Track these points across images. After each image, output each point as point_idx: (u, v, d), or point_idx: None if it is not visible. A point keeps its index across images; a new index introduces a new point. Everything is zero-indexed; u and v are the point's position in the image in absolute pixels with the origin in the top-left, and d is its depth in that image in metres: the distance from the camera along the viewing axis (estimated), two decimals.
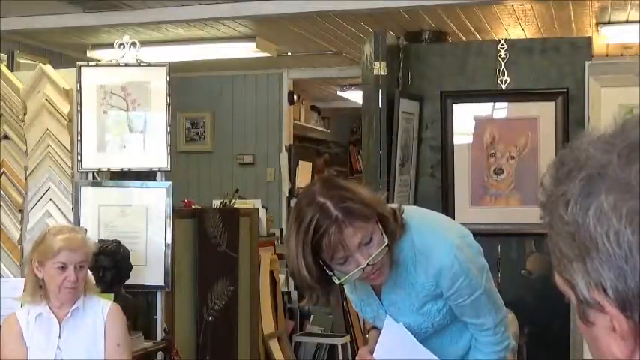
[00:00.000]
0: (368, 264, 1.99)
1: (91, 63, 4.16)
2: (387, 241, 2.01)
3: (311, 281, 2.01)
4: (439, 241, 2.11)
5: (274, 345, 5.46)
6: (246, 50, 6.02)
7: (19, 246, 4.01)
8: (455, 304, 2.15)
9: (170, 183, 3.95)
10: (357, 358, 2.30)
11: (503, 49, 4.13)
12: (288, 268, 2.12)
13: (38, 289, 2.96)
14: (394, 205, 2.17)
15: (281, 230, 6.89)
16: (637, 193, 0.72)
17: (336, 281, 2.04)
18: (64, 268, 2.90)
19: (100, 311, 3.00)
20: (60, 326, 2.95)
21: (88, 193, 3.91)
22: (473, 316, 2.18)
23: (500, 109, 4.17)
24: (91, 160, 3.95)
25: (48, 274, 2.92)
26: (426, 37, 5.54)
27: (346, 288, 2.27)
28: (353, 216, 1.95)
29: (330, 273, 2.03)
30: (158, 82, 3.99)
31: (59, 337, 2.94)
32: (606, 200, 0.74)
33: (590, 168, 0.76)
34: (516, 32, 5.68)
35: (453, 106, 4.14)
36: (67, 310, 2.96)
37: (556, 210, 0.79)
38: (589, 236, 0.75)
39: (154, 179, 4.01)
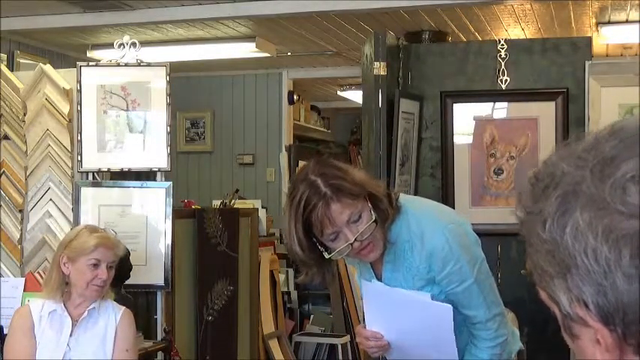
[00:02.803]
0: (356, 239, 2.07)
1: (91, 63, 4.16)
2: (374, 217, 2.08)
3: (303, 256, 2.11)
4: (433, 225, 2.17)
5: (274, 345, 5.46)
6: (246, 50, 6.02)
7: (19, 246, 4.01)
8: (448, 290, 2.18)
9: (170, 183, 3.94)
10: (356, 339, 2.35)
11: (503, 49, 4.13)
12: (285, 245, 2.21)
13: (63, 285, 2.98)
14: (391, 190, 2.24)
15: (281, 230, 6.89)
16: (612, 209, 0.73)
17: (326, 256, 2.11)
18: (96, 265, 2.93)
19: (113, 315, 3.02)
20: (73, 325, 2.96)
21: (88, 193, 3.91)
22: (465, 307, 2.20)
23: (500, 109, 4.17)
24: (91, 160, 3.95)
25: (78, 270, 2.94)
26: (426, 37, 5.54)
27: (355, 275, 2.33)
28: (341, 192, 2.04)
29: (321, 249, 2.10)
30: (158, 82, 3.99)
31: (70, 335, 2.95)
32: (582, 217, 0.74)
33: (564, 185, 0.77)
34: (516, 32, 5.68)
35: (453, 106, 4.14)
36: (83, 310, 2.98)
37: (534, 228, 0.80)
38: (568, 253, 0.76)
39: (154, 179, 4.00)
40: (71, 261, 2.95)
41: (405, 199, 2.24)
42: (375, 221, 2.09)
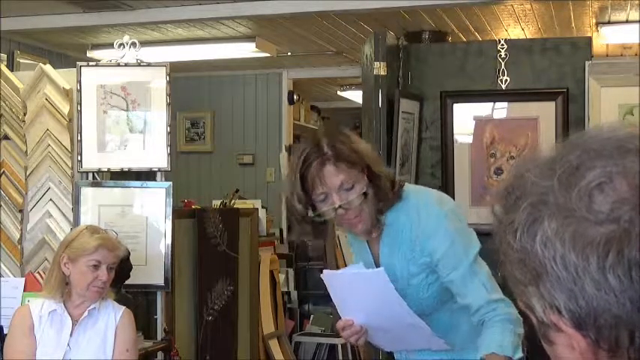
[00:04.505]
0: (342, 207, 2.10)
1: (91, 63, 4.16)
2: (365, 189, 2.10)
3: (301, 210, 2.14)
4: (431, 210, 2.18)
5: (274, 345, 5.46)
6: (246, 50, 6.02)
7: (19, 246, 4.01)
8: (444, 278, 2.16)
9: (170, 183, 3.94)
10: (341, 333, 2.33)
11: (503, 49, 4.13)
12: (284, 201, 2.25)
13: (64, 286, 2.98)
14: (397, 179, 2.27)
15: (281, 230, 6.89)
16: (578, 217, 0.75)
17: (310, 214, 2.14)
18: (97, 266, 2.93)
19: (113, 315, 3.02)
20: (73, 325, 2.96)
21: (88, 193, 3.91)
22: (462, 294, 2.16)
23: (500, 109, 4.17)
24: (91, 160, 3.95)
25: (79, 271, 2.93)
26: (426, 37, 5.54)
27: (353, 255, 2.41)
28: (339, 157, 2.08)
29: (308, 206, 2.14)
30: (158, 82, 3.99)
31: (71, 335, 2.95)
32: (549, 226, 0.77)
33: (533, 195, 0.79)
34: (516, 32, 5.68)
35: (453, 106, 4.14)
36: (83, 310, 2.98)
37: (505, 238, 0.82)
38: (538, 262, 0.78)
39: (154, 179, 4.00)
40: (72, 261, 2.95)
41: (410, 188, 2.27)
42: (365, 193, 2.11)
